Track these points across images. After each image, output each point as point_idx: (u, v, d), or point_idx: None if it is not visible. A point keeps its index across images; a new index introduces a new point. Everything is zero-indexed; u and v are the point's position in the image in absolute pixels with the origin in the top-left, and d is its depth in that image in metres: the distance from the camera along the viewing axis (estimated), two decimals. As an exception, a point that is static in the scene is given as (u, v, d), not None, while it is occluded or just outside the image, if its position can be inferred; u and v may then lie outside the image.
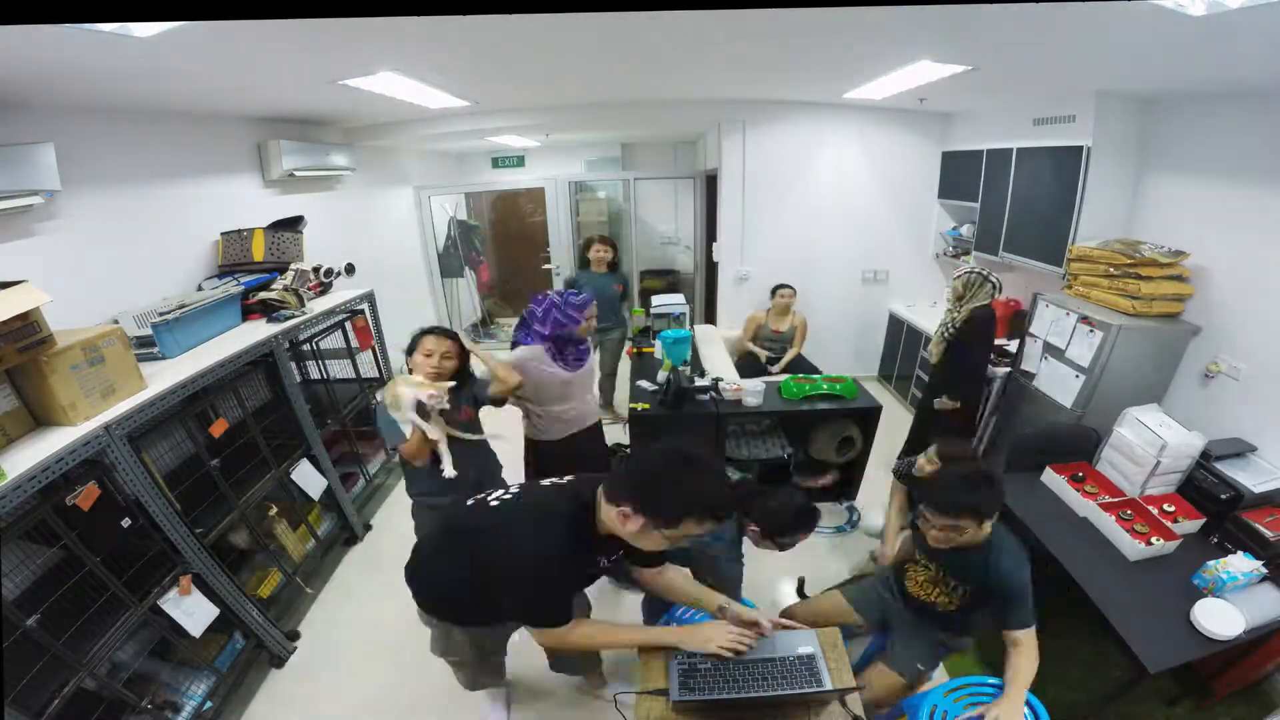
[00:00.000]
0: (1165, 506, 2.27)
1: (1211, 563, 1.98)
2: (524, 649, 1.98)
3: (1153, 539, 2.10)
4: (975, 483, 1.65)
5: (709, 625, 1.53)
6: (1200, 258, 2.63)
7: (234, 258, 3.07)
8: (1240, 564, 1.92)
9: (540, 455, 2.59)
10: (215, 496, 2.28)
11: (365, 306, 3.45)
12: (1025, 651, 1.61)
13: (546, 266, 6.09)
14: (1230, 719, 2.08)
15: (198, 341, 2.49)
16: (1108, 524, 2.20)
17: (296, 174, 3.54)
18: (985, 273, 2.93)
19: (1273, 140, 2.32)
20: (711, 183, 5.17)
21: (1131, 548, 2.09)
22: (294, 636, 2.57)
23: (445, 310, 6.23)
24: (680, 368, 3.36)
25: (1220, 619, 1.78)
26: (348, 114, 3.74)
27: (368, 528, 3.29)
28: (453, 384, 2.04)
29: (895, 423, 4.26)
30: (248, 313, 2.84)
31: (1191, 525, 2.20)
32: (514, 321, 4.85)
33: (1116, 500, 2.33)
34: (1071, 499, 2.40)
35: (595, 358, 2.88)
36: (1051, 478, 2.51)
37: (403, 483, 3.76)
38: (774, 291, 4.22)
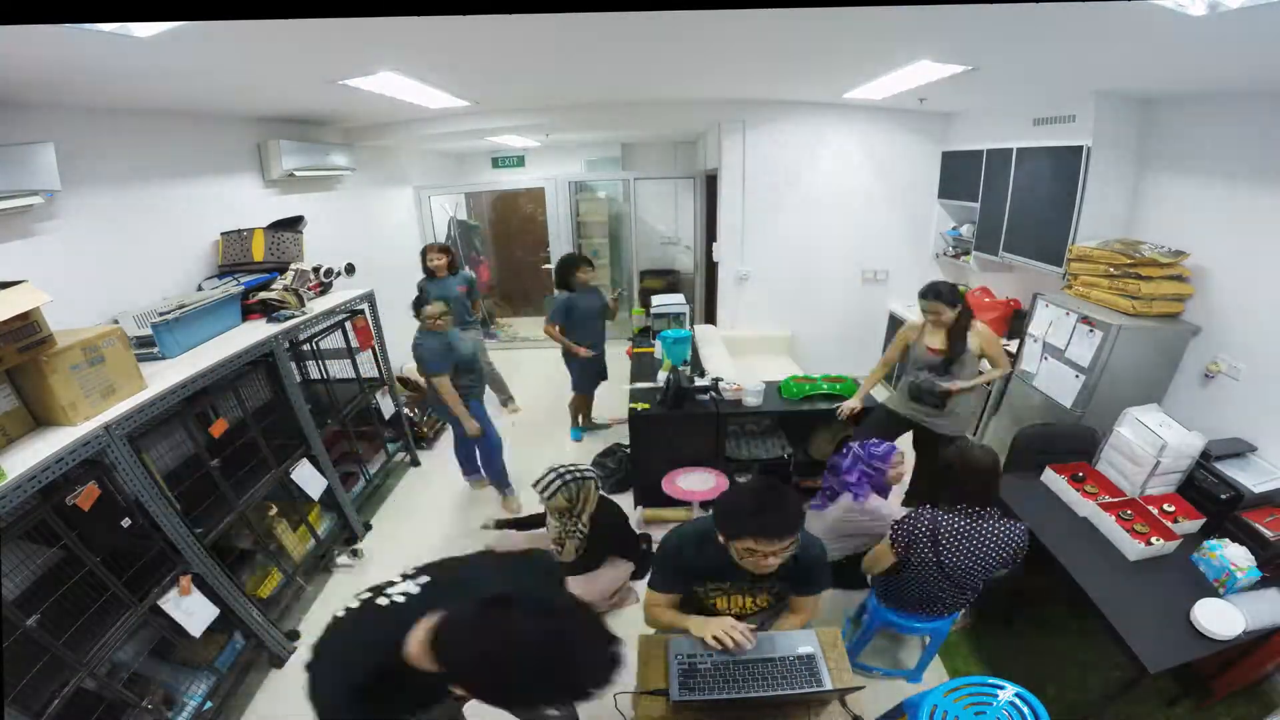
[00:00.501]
0: (1165, 506, 2.27)
1: (1209, 542, 2.02)
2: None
3: (1153, 539, 2.10)
4: (785, 495, 1.51)
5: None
6: (1200, 258, 2.63)
7: (234, 258, 3.07)
8: (1238, 554, 1.94)
9: None
10: (215, 496, 2.28)
11: (365, 306, 3.45)
12: (812, 611, 1.69)
13: (546, 266, 6.09)
14: (1230, 719, 2.08)
15: (198, 341, 2.49)
16: (1108, 524, 2.20)
17: (296, 174, 3.54)
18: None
19: (1273, 140, 2.32)
20: (711, 183, 5.18)
21: (1131, 548, 2.09)
22: (294, 636, 2.57)
23: (445, 310, 6.23)
24: (680, 368, 3.36)
25: (1220, 619, 1.78)
26: (348, 114, 3.74)
27: (368, 528, 3.29)
28: None
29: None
30: (248, 313, 2.84)
31: (1191, 525, 2.20)
32: (514, 321, 4.89)
33: (1116, 500, 2.33)
34: (1071, 499, 2.39)
35: None
36: (1051, 478, 2.51)
37: (402, 483, 3.80)
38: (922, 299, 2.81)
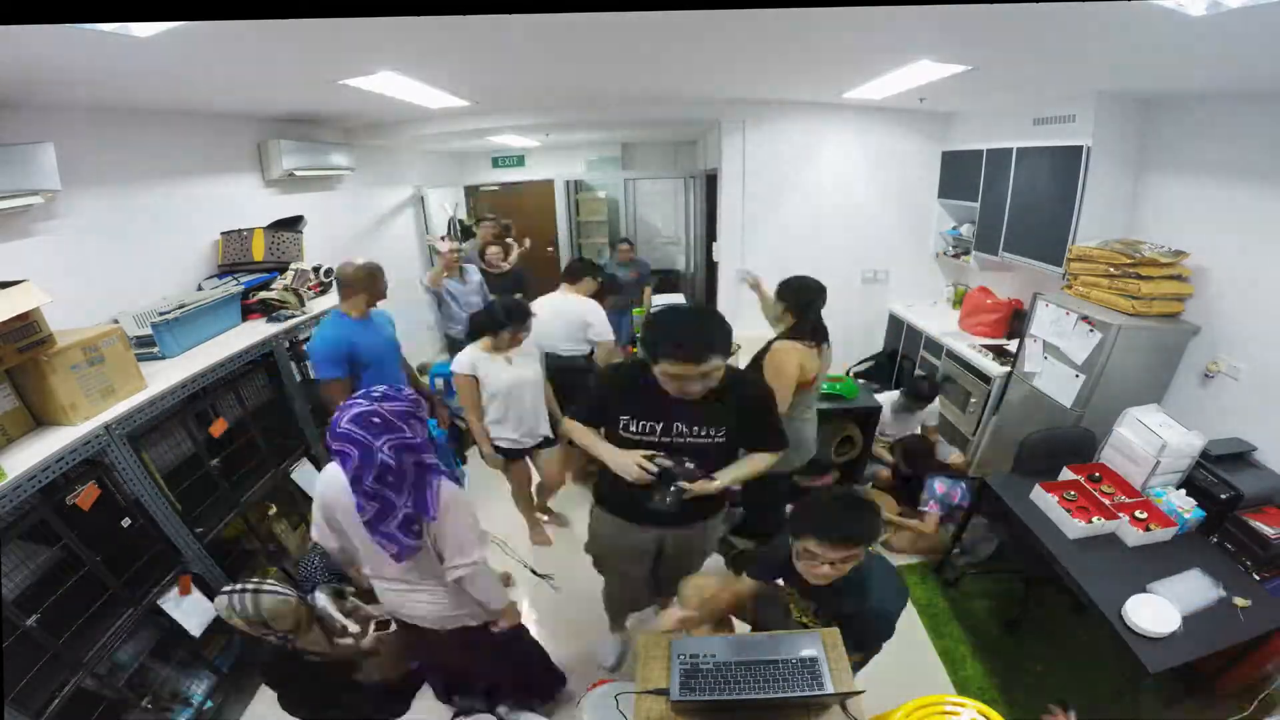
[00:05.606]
0: (1138, 514, 2.21)
1: (1155, 490, 2.22)
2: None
3: (1094, 518, 2.16)
4: (859, 505, 1.52)
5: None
6: (1200, 258, 2.62)
7: (234, 257, 3.07)
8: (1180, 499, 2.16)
9: None
10: (215, 496, 2.28)
11: (365, 306, 3.44)
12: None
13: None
14: (1231, 719, 2.08)
15: (198, 341, 2.49)
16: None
17: (296, 174, 3.54)
18: None
19: (1273, 140, 2.32)
20: (711, 183, 5.17)
21: (1073, 527, 2.14)
22: (294, 636, 2.57)
23: (445, 310, 6.22)
24: (680, 368, 3.35)
25: (1156, 617, 1.79)
26: (348, 114, 3.74)
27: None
28: None
29: (895, 423, 4.26)
30: (248, 312, 2.84)
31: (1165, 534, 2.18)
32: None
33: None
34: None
35: None
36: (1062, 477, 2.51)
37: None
38: None
